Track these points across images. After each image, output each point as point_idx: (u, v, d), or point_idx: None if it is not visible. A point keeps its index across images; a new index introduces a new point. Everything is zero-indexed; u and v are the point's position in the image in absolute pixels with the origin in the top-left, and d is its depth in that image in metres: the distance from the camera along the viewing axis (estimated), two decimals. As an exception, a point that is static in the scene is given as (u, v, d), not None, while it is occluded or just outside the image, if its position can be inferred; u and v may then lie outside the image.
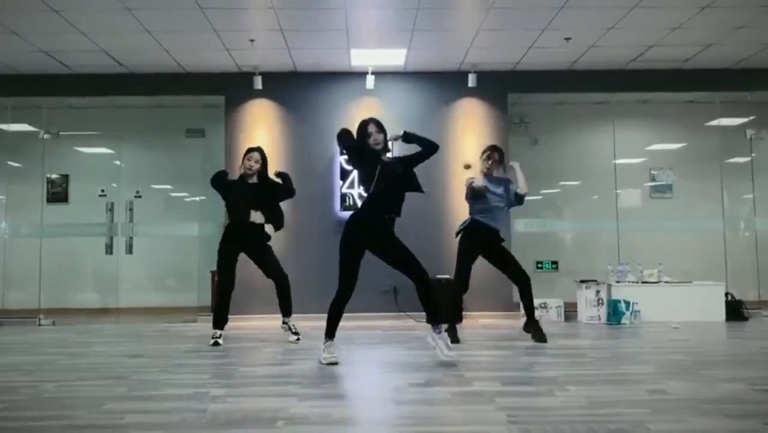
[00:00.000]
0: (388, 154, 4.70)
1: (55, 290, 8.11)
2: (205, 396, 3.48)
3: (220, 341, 5.46)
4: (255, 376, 4.20)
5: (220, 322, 5.57)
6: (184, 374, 4.17)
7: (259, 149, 5.72)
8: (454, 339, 5.44)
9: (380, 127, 4.54)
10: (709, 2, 5.68)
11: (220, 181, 5.65)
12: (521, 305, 5.63)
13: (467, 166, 5.84)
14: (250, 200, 5.59)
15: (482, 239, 5.55)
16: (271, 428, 2.87)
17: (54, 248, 7.99)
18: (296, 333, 5.67)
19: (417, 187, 4.54)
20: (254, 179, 5.67)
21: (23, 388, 3.77)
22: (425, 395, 3.54)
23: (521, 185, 5.64)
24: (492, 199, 5.54)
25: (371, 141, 4.50)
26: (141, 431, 2.85)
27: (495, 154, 5.66)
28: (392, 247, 4.50)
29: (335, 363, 4.41)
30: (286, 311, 5.75)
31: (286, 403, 3.31)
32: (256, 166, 5.64)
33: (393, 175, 4.46)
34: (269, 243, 5.74)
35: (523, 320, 5.65)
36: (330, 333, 4.53)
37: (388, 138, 4.59)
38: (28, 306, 7.73)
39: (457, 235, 5.67)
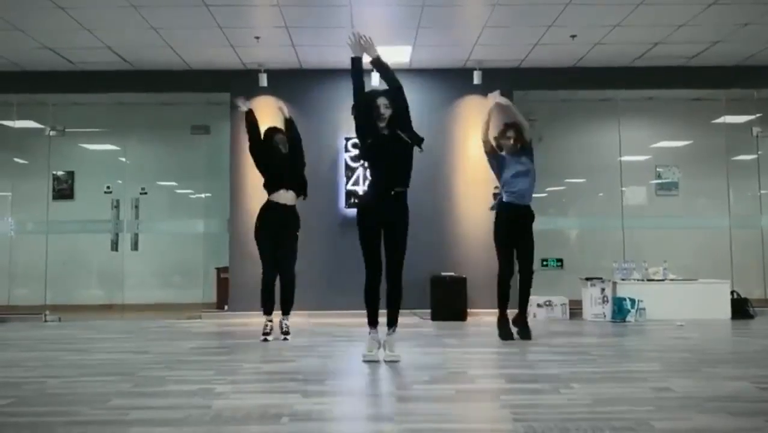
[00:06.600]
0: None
1: (60, 286, 8.14)
2: (209, 393, 3.48)
3: (269, 337, 5.46)
4: (259, 372, 4.21)
5: (264, 308, 5.57)
6: (189, 371, 4.18)
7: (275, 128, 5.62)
8: (508, 335, 5.36)
9: (390, 102, 4.42)
10: (716, -1, 5.66)
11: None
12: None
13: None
14: (285, 177, 5.46)
15: (512, 219, 5.40)
16: (276, 424, 2.87)
17: (60, 244, 8.02)
18: (286, 333, 5.53)
19: (413, 140, 4.37)
20: (285, 149, 5.52)
21: (28, 384, 3.78)
22: (429, 392, 3.54)
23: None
24: (515, 166, 5.41)
25: (376, 116, 4.39)
26: (145, 427, 2.86)
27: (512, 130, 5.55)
28: (392, 234, 4.43)
29: (373, 361, 4.35)
30: (284, 309, 5.60)
31: (290, 399, 3.31)
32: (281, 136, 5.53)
33: (385, 146, 4.35)
34: (297, 232, 5.54)
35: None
36: (371, 321, 4.52)
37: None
38: (33, 302, 7.76)
39: (491, 209, 5.61)
